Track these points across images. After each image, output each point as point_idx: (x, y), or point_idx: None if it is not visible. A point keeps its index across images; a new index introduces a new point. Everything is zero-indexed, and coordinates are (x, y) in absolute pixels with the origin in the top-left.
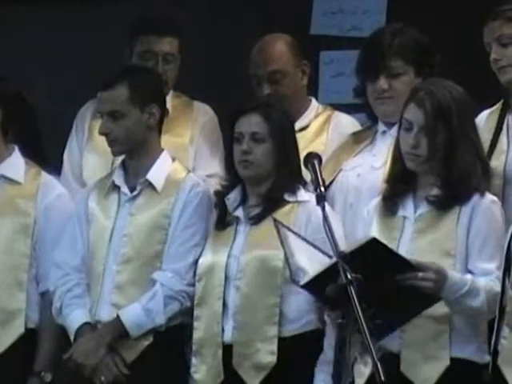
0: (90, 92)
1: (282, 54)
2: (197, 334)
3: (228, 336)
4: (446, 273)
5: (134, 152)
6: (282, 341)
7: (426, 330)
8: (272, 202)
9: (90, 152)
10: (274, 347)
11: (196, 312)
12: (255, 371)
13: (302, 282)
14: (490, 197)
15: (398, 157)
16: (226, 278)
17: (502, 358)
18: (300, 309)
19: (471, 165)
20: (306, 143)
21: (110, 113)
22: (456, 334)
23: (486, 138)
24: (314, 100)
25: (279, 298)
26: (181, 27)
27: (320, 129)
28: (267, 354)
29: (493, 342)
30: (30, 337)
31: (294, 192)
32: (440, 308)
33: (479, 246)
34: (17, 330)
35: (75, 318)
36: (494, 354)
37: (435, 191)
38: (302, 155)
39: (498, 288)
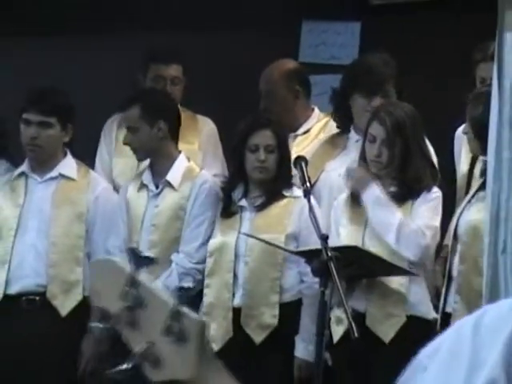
0: (111, 107)
1: (273, 78)
2: (207, 299)
3: (237, 301)
4: (370, 181)
5: (154, 157)
6: (282, 306)
7: (387, 294)
8: (273, 194)
9: (118, 156)
10: (276, 311)
11: (207, 281)
12: (260, 330)
13: (296, 250)
14: (434, 189)
15: (362, 162)
16: (236, 255)
17: (454, 318)
18: (294, 281)
19: (422, 170)
20: (308, 143)
21: (128, 128)
22: (411, 297)
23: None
24: (316, 109)
25: (280, 272)
26: (183, 55)
27: (319, 131)
28: (270, 316)
29: (441, 305)
30: (86, 303)
31: (289, 188)
32: (399, 278)
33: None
34: (76, 297)
35: None
36: (444, 314)
37: (392, 189)
38: (306, 153)
39: (412, 226)
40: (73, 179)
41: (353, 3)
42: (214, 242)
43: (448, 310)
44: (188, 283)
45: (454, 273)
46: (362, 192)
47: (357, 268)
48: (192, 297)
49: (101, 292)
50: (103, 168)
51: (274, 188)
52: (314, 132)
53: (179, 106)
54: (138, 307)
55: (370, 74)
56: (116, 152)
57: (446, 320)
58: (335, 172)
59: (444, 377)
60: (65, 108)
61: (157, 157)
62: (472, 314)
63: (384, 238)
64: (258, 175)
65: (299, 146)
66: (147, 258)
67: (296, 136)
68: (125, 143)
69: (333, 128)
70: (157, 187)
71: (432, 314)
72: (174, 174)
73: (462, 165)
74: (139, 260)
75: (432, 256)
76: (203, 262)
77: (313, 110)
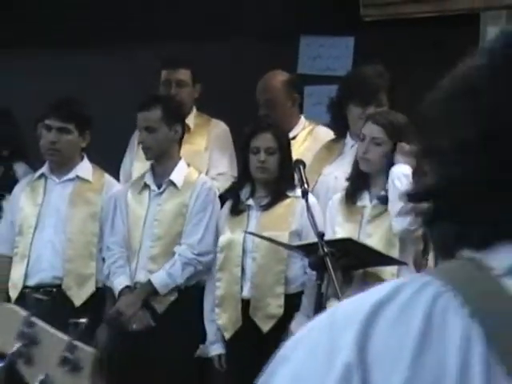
0: (126, 114)
1: (274, 88)
2: (219, 292)
3: (246, 293)
4: None
5: (160, 159)
6: (287, 297)
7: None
8: (278, 194)
9: (137, 160)
10: (282, 302)
11: (218, 275)
12: (267, 319)
13: (295, 244)
14: None
15: (356, 162)
16: (244, 251)
17: None
18: (298, 273)
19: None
20: (295, 148)
21: (146, 127)
22: None
23: None
24: (302, 117)
25: (285, 266)
26: (194, 63)
27: (305, 138)
28: (276, 307)
29: None
30: (98, 294)
31: (292, 189)
32: (391, 269)
33: None
34: (89, 289)
35: (119, 282)
36: None
37: (383, 193)
38: (293, 157)
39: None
40: (88, 181)
41: (347, 19)
42: (223, 239)
43: None
44: (186, 274)
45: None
46: None
47: (352, 259)
48: (200, 290)
49: None
50: (124, 172)
51: (278, 189)
52: (300, 139)
53: (196, 110)
54: (33, 345)
55: (364, 84)
56: (136, 156)
57: None
58: (332, 175)
59: (304, 364)
60: (83, 116)
61: (164, 158)
62: None
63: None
64: (259, 175)
65: None
66: (41, 300)
67: None
68: (139, 142)
69: (318, 136)
70: (159, 187)
71: None
72: (177, 175)
73: None
74: (34, 301)
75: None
76: (204, 254)
77: (300, 117)
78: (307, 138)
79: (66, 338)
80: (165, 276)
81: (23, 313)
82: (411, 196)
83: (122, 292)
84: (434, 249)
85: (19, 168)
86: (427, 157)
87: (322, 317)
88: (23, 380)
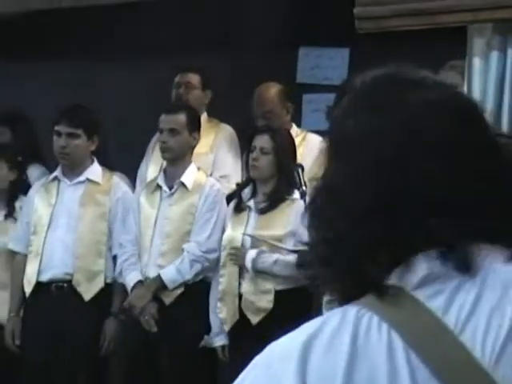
0: (148, 115)
1: (271, 100)
2: (221, 287)
3: (243, 287)
4: None
5: (175, 161)
6: (276, 293)
7: None
8: (276, 199)
9: (152, 163)
10: (271, 297)
11: (221, 272)
12: (256, 313)
13: (291, 249)
14: None
15: None
16: (243, 248)
17: None
18: (289, 269)
19: None
20: None
21: (170, 129)
22: None
23: None
24: (294, 125)
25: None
26: (205, 69)
27: (299, 144)
28: (266, 301)
29: None
30: (107, 289)
31: (290, 192)
32: None
33: None
34: (98, 284)
35: (131, 278)
36: None
37: None
38: (307, 163)
39: None
40: (98, 183)
41: (342, 32)
42: (226, 237)
43: None
44: (194, 271)
45: None
46: None
47: None
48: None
49: None
50: (140, 176)
51: (276, 193)
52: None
53: (206, 115)
54: None
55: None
56: (151, 160)
57: None
58: None
59: None
60: (90, 121)
61: (178, 161)
62: None
63: None
64: (252, 173)
65: None
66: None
67: None
68: (162, 141)
69: (310, 142)
70: (170, 189)
71: None
72: (188, 177)
73: None
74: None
75: None
76: (211, 251)
77: (292, 126)
78: (302, 144)
79: None
80: (174, 272)
81: None
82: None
83: (134, 287)
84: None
85: (34, 171)
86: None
87: (260, 357)
88: None
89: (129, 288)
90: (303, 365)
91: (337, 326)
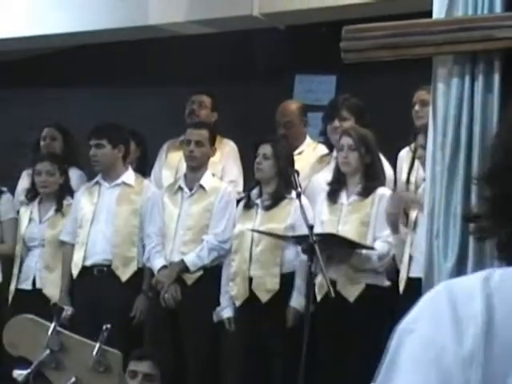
0: (168, 131)
1: (292, 112)
2: (232, 269)
3: (252, 272)
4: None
5: (197, 168)
6: (281, 276)
7: (352, 268)
8: (277, 197)
9: (166, 168)
10: (278, 279)
11: (232, 257)
12: (266, 293)
13: (290, 235)
14: (385, 189)
15: (337, 168)
16: (252, 239)
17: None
18: (290, 257)
19: (381, 172)
20: (302, 161)
21: (196, 141)
22: (368, 270)
23: (407, 163)
24: (308, 136)
25: (281, 251)
26: (215, 95)
27: (310, 153)
28: (274, 283)
29: (406, 272)
30: (139, 272)
31: (289, 192)
32: (362, 258)
33: (380, 220)
34: (132, 268)
35: (157, 263)
36: (408, 279)
37: (359, 187)
38: (301, 167)
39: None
40: (131, 186)
41: (331, 62)
42: (237, 229)
43: (411, 275)
44: (212, 257)
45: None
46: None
47: (333, 249)
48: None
49: (19, 344)
50: (155, 178)
51: (277, 193)
52: (305, 154)
53: None
54: (61, 351)
55: (330, 105)
56: (165, 165)
57: (410, 284)
58: (318, 181)
59: (431, 331)
60: (113, 133)
61: (199, 167)
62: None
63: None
64: (256, 174)
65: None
66: (63, 309)
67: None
68: (190, 150)
69: (318, 152)
70: (190, 190)
71: (386, 283)
72: (205, 181)
73: (403, 174)
74: (60, 312)
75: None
76: (225, 241)
77: (305, 137)
78: (312, 154)
79: (93, 343)
80: (195, 257)
81: (49, 324)
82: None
83: (160, 270)
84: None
85: (74, 173)
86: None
87: (434, 294)
88: None
89: (155, 271)
90: (490, 310)
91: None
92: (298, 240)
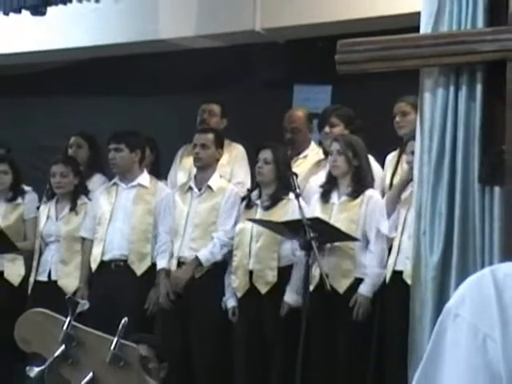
0: (178, 138)
1: (299, 119)
2: (234, 263)
3: (251, 266)
4: None
5: (205, 169)
6: (279, 269)
7: (343, 261)
8: (276, 199)
9: (180, 170)
10: (275, 272)
11: (234, 252)
12: (265, 285)
13: (282, 221)
14: (373, 191)
15: (329, 171)
16: (251, 236)
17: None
18: (288, 252)
19: (368, 174)
20: (306, 165)
21: (202, 144)
22: (358, 263)
23: (391, 168)
24: (312, 142)
25: (278, 246)
26: (224, 103)
27: (313, 158)
28: (272, 276)
29: (392, 265)
30: (153, 267)
31: (287, 194)
32: (353, 253)
33: (370, 219)
34: (147, 263)
35: (159, 265)
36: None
37: (348, 189)
38: (302, 171)
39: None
40: (146, 187)
41: (326, 73)
42: (238, 226)
43: (398, 268)
44: (223, 253)
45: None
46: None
47: (319, 235)
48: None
49: (31, 340)
50: (171, 181)
51: (276, 194)
52: (310, 158)
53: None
54: (77, 346)
55: (322, 114)
56: (179, 168)
57: (397, 276)
58: (314, 183)
59: (477, 314)
60: (131, 138)
61: (206, 169)
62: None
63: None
64: (257, 177)
65: (299, 167)
66: (79, 303)
67: (297, 159)
68: (197, 152)
69: (321, 156)
70: (199, 190)
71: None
72: (213, 182)
73: (387, 177)
74: (76, 306)
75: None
76: (233, 238)
77: (310, 142)
78: (315, 158)
79: (110, 337)
80: (208, 254)
81: (64, 318)
82: None
83: (159, 272)
84: None
85: (98, 179)
86: None
87: (480, 278)
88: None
89: (157, 269)
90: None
91: None
92: (292, 228)
